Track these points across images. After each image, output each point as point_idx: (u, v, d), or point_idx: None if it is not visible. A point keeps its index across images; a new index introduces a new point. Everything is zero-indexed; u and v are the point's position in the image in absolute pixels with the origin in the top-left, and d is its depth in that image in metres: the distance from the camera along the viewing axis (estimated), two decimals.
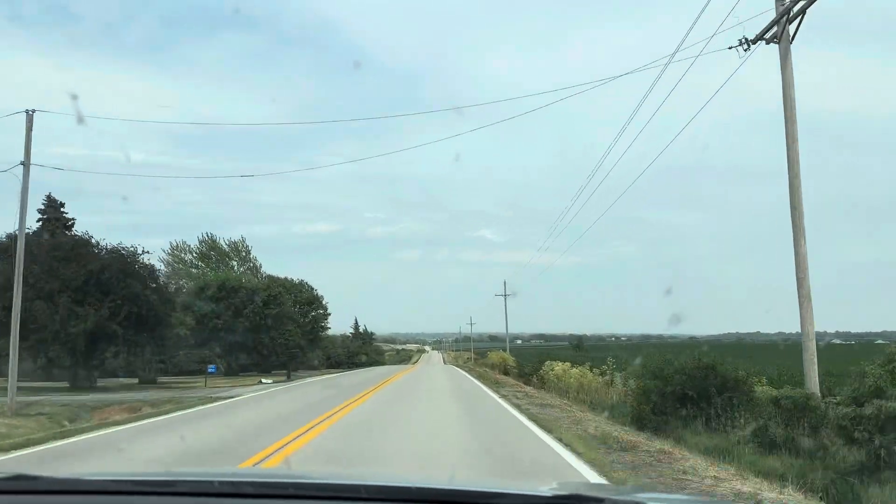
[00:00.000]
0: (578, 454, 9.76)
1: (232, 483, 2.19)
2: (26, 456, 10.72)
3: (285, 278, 67.11)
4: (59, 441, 12.20)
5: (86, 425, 15.01)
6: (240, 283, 50.94)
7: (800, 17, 14.91)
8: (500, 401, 19.30)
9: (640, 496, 2.27)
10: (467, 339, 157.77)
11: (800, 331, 15.70)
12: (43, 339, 30.42)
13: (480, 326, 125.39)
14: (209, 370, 31.51)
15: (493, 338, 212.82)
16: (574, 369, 28.69)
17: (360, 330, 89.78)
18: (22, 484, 2.19)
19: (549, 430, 12.45)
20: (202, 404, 20.14)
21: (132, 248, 34.65)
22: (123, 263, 33.17)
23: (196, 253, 66.87)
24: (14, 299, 19.45)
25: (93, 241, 35.27)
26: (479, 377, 34.41)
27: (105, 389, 31.51)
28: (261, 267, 67.90)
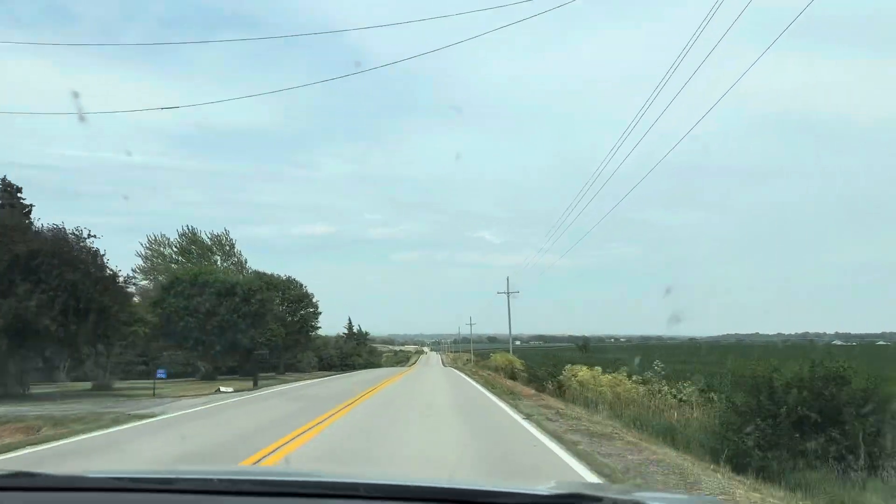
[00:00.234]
0: None
1: (231, 481, 2.15)
2: None
3: (272, 274, 61.15)
4: None
5: None
6: (215, 276, 44.69)
7: None
8: (528, 426, 13.06)
9: (639, 495, 2.22)
10: (466, 340, 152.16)
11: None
12: None
13: (479, 328, 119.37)
14: (158, 374, 25.39)
15: (491, 339, 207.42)
16: (605, 376, 22.58)
17: (355, 330, 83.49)
18: (20, 481, 2.15)
19: None
20: (107, 427, 14.13)
21: (77, 231, 28.56)
22: (59, 247, 26.99)
23: (176, 247, 60.66)
24: None
25: (32, 222, 29.30)
26: (486, 384, 28.27)
27: (32, 399, 25.36)
28: (246, 262, 61.74)
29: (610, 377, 22.40)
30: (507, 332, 71.59)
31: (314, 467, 10.28)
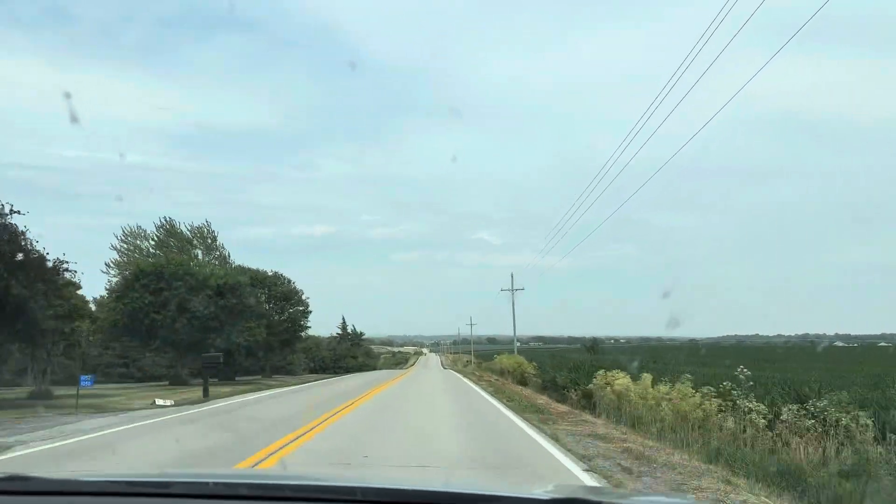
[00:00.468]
0: None
1: (227, 484, 2.11)
2: None
3: (257, 269, 55.14)
4: None
5: None
6: (186, 269, 38.66)
7: None
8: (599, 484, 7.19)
9: (637, 499, 2.24)
10: (466, 341, 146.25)
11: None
12: None
13: (478, 329, 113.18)
14: (82, 383, 19.43)
15: (491, 340, 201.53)
16: (662, 386, 16.53)
17: (349, 330, 77.28)
18: (15, 484, 2.11)
19: None
20: None
21: None
22: None
23: (153, 240, 54.63)
24: None
25: None
26: (497, 393, 22.29)
27: None
28: (229, 256, 55.69)
29: (665, 389, 16.43)
30: (507, 333, 65.64)
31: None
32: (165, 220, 54.86)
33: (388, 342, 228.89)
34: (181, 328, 37.61)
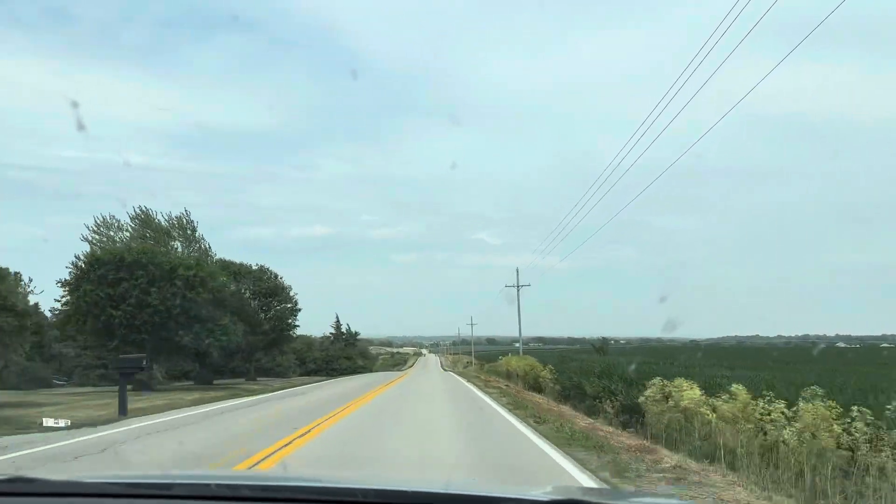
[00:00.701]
0: None
1: (229, 486, 2.09)
2: None
3: (241, 263, 49.58)
4: None
5: None
6: (149, 258, 33.00)
7: None
8: None
9: (636, 500, 2.17)
10: (465, 342, 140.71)
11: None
12: None
13: (478, 330, 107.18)
14: None
15: (490, 341, 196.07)
16: (784, 405, 10.90)
17: (343, 330, 71.31)
18: (18, 486, 2.10)
19: None
20: None
21: None
22: None
23: (128, 231, 48.78)
24: None
25: None
26: (516, 407, 16.70)
27: None
28: (210, 248, 49.91)
29: (779, 407, 10.87)
30: (507, 334, 60.29)
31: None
32: (141, 210, 49.15)
33: (388, 343, 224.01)
34: (142, 325, 32.05)
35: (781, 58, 12.84)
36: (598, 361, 46.75)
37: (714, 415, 13.54)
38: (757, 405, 11.47)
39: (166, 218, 50.12)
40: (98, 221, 49.44)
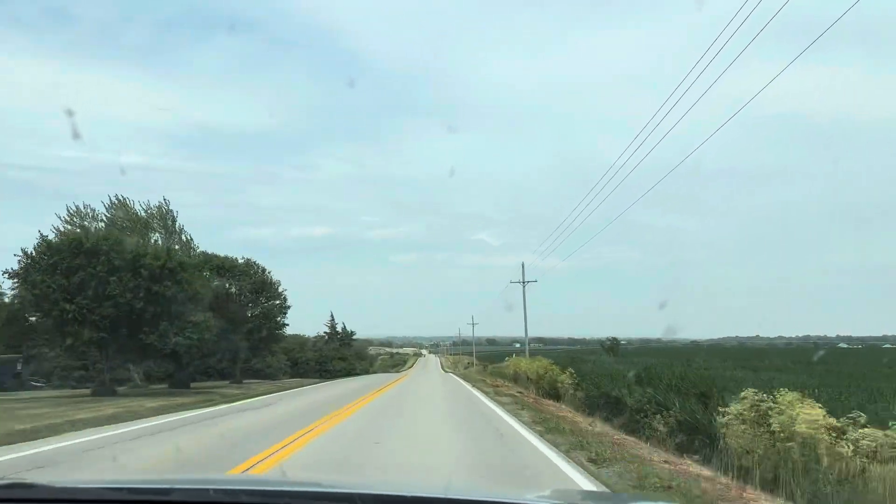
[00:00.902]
0: None
1: (227, 491, 2.09)
2: None
3: (225, 256, 45.01)
4: None
5: None
6: (111, 244, 28.39)
7: None
8: None
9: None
10: (465, 342, 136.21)
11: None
12: None
13: (478, 330, 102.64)
14: None
15: (490, 341, 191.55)
16: None
17: (338, 329, 66.47)
18: (18, 492, 2.10)
19: None
20: None
21: None
22: None
23: (103, 221, 44.10)
24: None
25: None
26: (539, 424, 12.14)
27: None
28: (192, 240, 45.31)
29: None
30: (507, 335, 55.91)
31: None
32: (117, 199, 44.55)
33: (388, 343, 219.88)
34: (100, 321, 27.49)
35: (789, 61, 12.17)
36: (613, 363, 42.33)
37: (850, 448, 9.00)
38: None
39: (144, 208, 45.52)
40: (71, 211, 44.63)
